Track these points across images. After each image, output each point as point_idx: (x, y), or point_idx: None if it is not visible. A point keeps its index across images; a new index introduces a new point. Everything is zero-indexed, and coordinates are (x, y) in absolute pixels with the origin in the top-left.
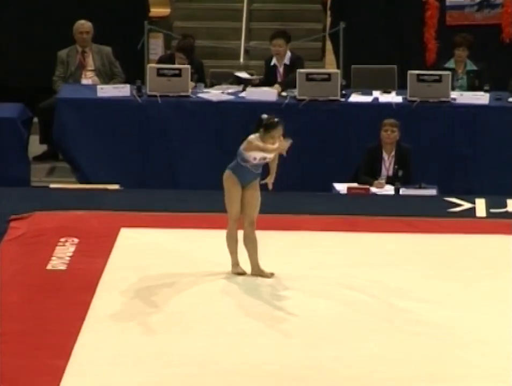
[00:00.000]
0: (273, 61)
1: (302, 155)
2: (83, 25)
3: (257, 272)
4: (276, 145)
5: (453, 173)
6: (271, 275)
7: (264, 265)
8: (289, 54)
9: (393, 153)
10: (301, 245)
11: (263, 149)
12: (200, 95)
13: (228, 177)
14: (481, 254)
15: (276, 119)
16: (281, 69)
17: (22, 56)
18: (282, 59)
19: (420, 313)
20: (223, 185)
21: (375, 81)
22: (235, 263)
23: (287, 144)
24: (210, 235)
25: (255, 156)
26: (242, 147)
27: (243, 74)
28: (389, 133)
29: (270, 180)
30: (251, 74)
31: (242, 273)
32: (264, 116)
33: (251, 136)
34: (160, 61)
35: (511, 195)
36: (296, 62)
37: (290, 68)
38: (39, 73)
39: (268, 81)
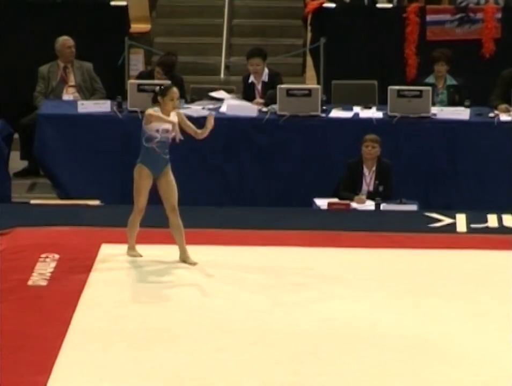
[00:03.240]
0: (251, 78)
1: (283, 171)
2: (69, 40)
3: (184, 258)
4: (172, 119)
5: (434, 189)
6: (194, 263)
7: (246, 280)
8: (266, 71)
9: (374, 168)
10: (282, 260)
11: (162, 118)
12: (180, 110)
13: (137, 169)
14: (462, 270)
15: (168, 84)
16: (259, 87)
17: (4, 71)
18: (260, 77)
19: (402, 329)
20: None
21: (355, 96)
22: (132, 246)
23: (174, 122)
24: (191, 251)
25: (157, 128)
26: (143, 123)
27: (219, 94)
28: (370, 149)
29: (202, 133)
30: (232, 91)
31: (138, 256)
32: (157, 88)
33: (149, 109)
34: (140, 77)
35: (491, 211)
36: (275, 79)
37: (269, 86)
38: (21, 89)
39: (246, 98)
